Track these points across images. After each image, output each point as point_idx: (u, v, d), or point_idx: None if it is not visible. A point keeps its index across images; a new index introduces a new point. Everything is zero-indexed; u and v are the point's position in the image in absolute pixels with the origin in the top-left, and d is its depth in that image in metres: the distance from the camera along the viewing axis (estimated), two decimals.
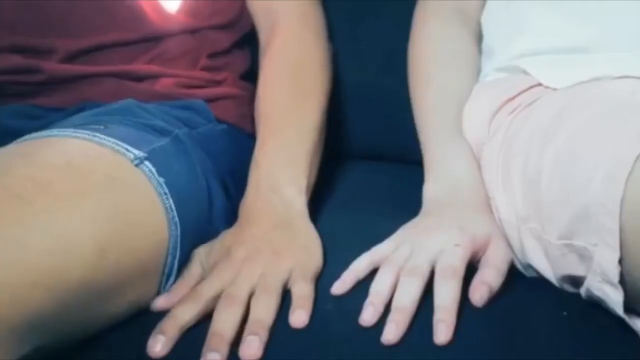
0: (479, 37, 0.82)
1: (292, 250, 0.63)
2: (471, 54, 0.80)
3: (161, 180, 0.61)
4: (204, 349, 0.54)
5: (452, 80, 0.77)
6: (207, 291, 0.58)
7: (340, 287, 0.60)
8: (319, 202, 0.75)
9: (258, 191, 0.69)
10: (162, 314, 0.59)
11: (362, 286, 0.59)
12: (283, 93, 0.76)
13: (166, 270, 0.62)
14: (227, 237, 0.66)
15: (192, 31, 0.81)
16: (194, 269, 0.63)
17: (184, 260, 0.63)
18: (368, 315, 0.56)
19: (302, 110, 0.75)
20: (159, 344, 0.55)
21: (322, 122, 0.76)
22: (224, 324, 0.55)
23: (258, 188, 0.69)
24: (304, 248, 0.64)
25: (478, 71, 0.79)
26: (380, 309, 0.56)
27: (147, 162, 0.61)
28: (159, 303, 0.61)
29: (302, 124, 0.74)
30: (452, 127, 0.73)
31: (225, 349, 0.54)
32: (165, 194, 0.61)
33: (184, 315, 0.57)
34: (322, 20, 0.84)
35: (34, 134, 0.63)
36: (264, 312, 0.56)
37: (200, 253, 0.65)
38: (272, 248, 0.62)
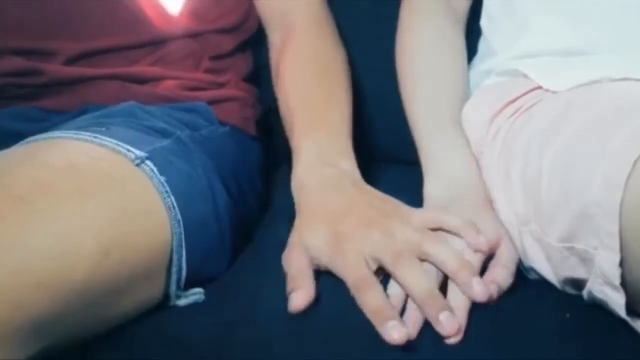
0: (466, 32, 0.82)
1: (397, 209, 0.62)
2: (458, 46, 0.80)
3: (163, 179, 0.61)
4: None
5: (442, 71, 0.77)
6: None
7: None
8: None
9: (314, 172, 0.67)
10: (164, 313, 0.59)
11: None
12: (312, 87, 0.76)
13: (174, 269, 0.62)
14: (319, 233, 0.61)
15: (196, 34, 0.81)
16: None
17: (192, 259, 0.63)
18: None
19: (334, 102, 0.75)
20: (395, 332, 0.53)
21: (352, 116, 0.76)
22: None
23: (312, 169, 0.67)
24: (396, 204, 0.63)
25: (465, 63, 0.79)
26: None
27: (148, 162, 0.61)
28: None
29: (337, 114, 0.74)
30: (444, 118, 0.72)
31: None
32: (167, 192, 0.61)
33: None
34: (334, 23, 0.85)
35: (37, 137, 0.63)
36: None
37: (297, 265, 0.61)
38: (380, 212, 0.62)
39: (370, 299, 0.55)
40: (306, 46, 0.80)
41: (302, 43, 0.80)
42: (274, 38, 0.84)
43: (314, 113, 0.73)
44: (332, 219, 0.61)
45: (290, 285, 0.59)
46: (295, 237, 0.63)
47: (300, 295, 0.57)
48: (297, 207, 0.66)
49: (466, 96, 0.76)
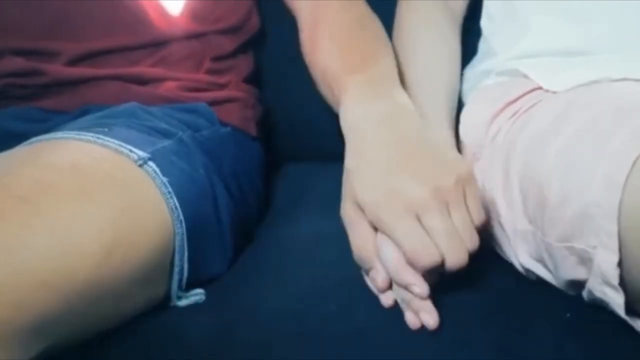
0: (466, 32, 0.82)
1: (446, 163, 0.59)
2: (453, 45, 0.80)
3: (165, 179, 0.61)
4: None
5: (437, 71, 0.76)
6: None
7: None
8: (310, 202, 0.75)
9: (366, 106, 0.63)
10: (164, 313, 0.60)
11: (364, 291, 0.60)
12: (352, 35, 0.73)
13: (175, 269, 0.62)
14: (372, 189, 0.58)
15: (197, 35, 0.81)
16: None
17: (193, 259, 0.63)
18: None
19: (380, 42, 0.72)
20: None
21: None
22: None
23: (365, 102, 0.64)
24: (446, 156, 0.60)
25: (459, 63, 0.79)
26: None
27: (150, 163, 0.62)
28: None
29: (384, 51, 0.71)
30: (438, 113, 0.71)
31: None
32: (169, 193, 0.61)
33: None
34: None
35: (38, 137, 0.63)
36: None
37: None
38: (435, 163, 0.58)
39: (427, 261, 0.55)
40: (341, 8, 0.76)
41: (335, 7, 0.76)
42: (304, 13, 0.81)
43: (358, 54, 0.70)
44: (386, 171, 0.57)
45: (363, 265, 0.59)
46: (348, 189, 0.60)
47: (379, 275, 0.57)
48: (347, 144, 0.63)
49: (458, 95, 0.77)
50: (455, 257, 0.55)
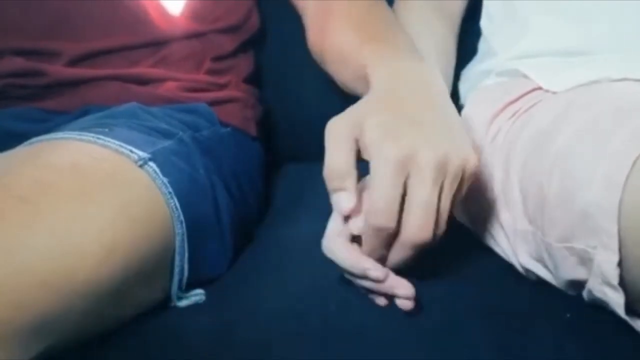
0: (466, 32, 0.82)
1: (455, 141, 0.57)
2: (448, 48, 0.79)
3: (165, 180, 0.61)
4: None
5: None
6: None
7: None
8: (310, 202, 0.75)
9: (390, 62, 0.62)
10: (164, 313, 0.60)
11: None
12: (367, 19, 0.72)
13: (175, 270, 0.62)
14: (382, 116, 0.56)
15: (197, 35, 0.81)
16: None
17: (193, 259, 0.63)
18: None
19: (390, 30, 0.71)
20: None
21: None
22: None
23: (388, 60, 0.63)
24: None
25: (453, 65, 0.79)
26: None
27: (151, 163, 0.61)
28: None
29: (402, 33, 0.70)
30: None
31: None
32: (170, 193, 0.61)
33: None
34: None
35: (39, 137, 0.63)
36: None
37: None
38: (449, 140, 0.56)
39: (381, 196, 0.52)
40: (351, 5, 0.75)
41: (345, 4, 0.75)
42: (311, 9, 0.79)
43: (375, 28, 0.69)
44: (408, 121, 0.55)
45: (333, 182, 0.55)
46: (356, 110, 0.57)
47: (346, 198, 0.55)
48: (370, 85, 0.61)
49: (458, 95, 0.76)
50: (421, 230, 0.53)
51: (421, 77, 0.62)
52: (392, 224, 0.53)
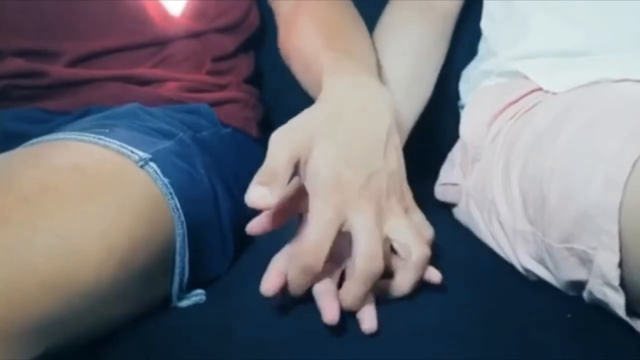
0: (466, 32, 0.82)
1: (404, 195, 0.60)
2: (435, 52, 0.80)
3: (166, 180, 0.61)
4: None
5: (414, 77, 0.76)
6: None
7: None
8: None
9: (344, 74, 0.63)
10: (165, 313, 0.60)
11: None
12: (332, 25, 0.73)
13: (176, 270, 0.62)
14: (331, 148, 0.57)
15: (197, 35, 0.81)
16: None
17: (194, 260, 0.63)
18: None
19: (353, 32, 0.72)
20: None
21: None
22: None
23: (343, 70, 0.63)
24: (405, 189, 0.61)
25: (438, 69, 0.79)
26: None
27: (151, 163, 0.61)
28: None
29: (364, 40, 0.71)
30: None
31: None
32: (171, 194, 0.61)
33: None
34: None
35: (40, 138, 0.63)
36: None
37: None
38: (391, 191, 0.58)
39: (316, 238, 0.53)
40: (320, 6, 0.76)
41: (314, 5, 0.76)
42: (284, 9, 0.81)
43: (338, 35, 0.70)
44: (340, 146, 0.56)
45: (260, 176, 0.55)
46: (299, 122, 0.58)
47: (262, 192, 0.55)
48: (321, 93, 0.62)
49: (457, 95, 0.76)
50: (373, 259, 0.54)
51: (368, 95, 0.61)
52: (320, 264, 0.53)
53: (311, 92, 0.71)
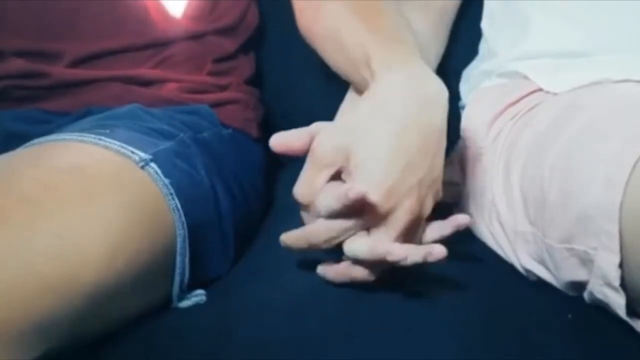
0: (466, 32, 0.82)
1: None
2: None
3: (167, 181, 0.61)
4: None
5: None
6: None
7: None
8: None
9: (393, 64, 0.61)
10: (165, 313, 0.60)
11: (364, 292, 0.60)
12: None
13: (177, 271, 0.62)
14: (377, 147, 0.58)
15: (198, 36, 0.81)
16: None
17: (195, 261, 0.63)
18: None
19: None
20: None
21: None
22: None
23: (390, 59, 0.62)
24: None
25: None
26: None
27: (152, 164, 0.62)
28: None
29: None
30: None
31: None
32: (171, 194, 0.61)
33: None
34: None
35: (41, 139, 0.63)
36: None
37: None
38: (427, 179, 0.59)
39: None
40: None
41: None
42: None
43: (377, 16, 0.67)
44: (389, 155, 0.57)
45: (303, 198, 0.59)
46: (343, 126, 0.61)
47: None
48: (374, 85, 0.61)
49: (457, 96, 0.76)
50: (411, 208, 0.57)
51: (424, 94, 0.60)
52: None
53: (343, 72, 0.69)
